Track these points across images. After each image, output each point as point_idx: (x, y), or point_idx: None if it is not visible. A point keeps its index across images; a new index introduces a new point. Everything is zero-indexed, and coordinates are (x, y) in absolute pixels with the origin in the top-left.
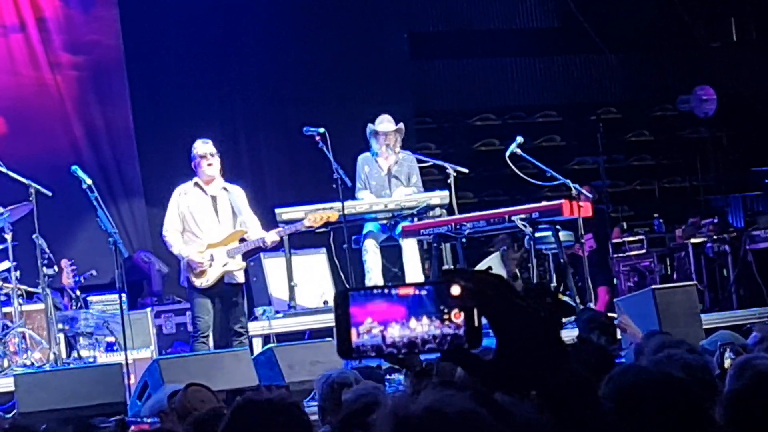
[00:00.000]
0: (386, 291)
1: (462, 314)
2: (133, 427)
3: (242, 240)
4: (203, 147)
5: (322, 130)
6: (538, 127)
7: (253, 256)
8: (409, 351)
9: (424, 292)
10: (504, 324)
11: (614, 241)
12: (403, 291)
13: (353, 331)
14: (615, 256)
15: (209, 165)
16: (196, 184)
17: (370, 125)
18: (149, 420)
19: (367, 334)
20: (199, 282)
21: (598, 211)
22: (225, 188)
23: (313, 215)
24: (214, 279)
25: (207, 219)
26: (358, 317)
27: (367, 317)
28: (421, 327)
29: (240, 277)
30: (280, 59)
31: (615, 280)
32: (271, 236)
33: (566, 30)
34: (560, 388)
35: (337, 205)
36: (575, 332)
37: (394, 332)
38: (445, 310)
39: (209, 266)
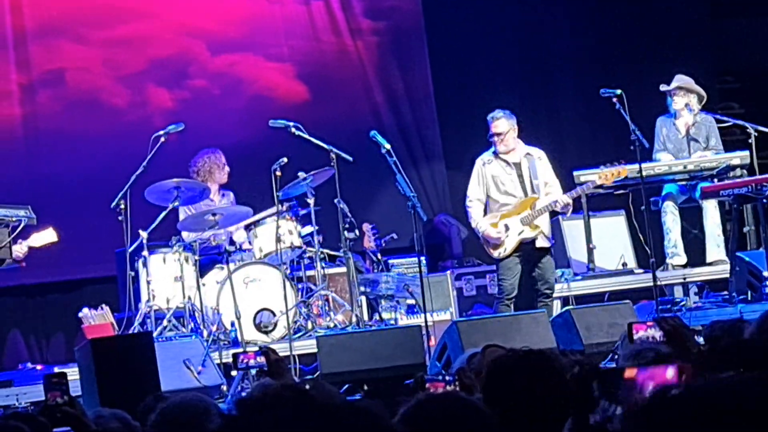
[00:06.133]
0: None
1: None
2: (429, 384)
3: (534, 206)
4: (492, 127)
5: (619, 91)
6: None
7: (551, 219)
8: None
9: None
10: None
11: None
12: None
13: None
14: None
15: (501, 142)
16: (497, 153)
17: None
18: (447, 378)
19: None
20: (497, 253)
21: None
22: (529, 153)
23: (604, 172)
24: (511, 249)
25: (511, 187)
26: None
27: None
28: None
29: (541, 242)
30: (580, 21)
31: None
32: (563, 198)
33: None
34: None
35: (633, 167)
36: None
37: None
38: None
39: (505, 237)
